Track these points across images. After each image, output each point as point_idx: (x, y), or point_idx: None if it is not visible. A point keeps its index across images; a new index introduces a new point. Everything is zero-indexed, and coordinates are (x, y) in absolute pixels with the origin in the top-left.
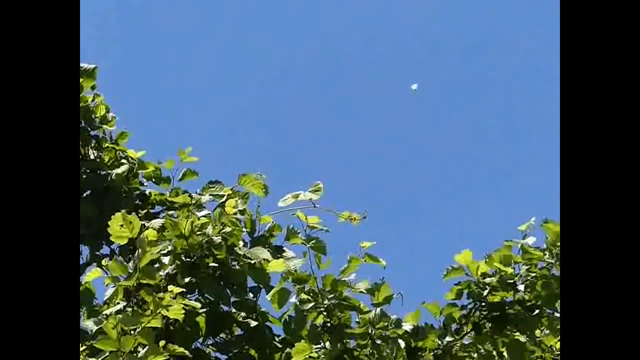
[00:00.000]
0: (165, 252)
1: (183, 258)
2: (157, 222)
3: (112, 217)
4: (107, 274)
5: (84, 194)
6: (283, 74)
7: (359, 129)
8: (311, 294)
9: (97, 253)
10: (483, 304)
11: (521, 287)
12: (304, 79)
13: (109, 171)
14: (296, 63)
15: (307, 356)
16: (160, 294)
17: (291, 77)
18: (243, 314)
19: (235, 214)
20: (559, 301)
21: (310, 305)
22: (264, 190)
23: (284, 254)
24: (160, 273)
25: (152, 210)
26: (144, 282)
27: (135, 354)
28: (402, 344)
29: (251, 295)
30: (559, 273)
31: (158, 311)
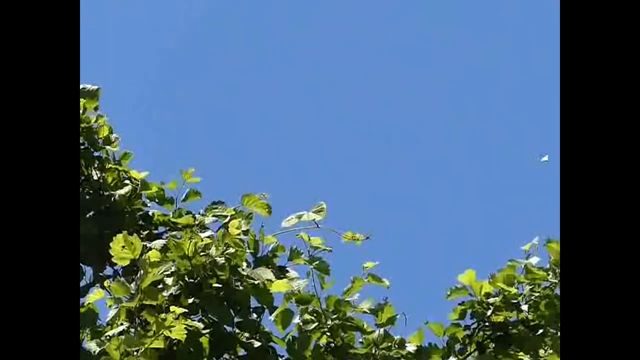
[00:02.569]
0: (168, 273)
1: (186, 279)
2: (159, 243)
3: (114, 238)
4: (110, 295)
5: (87, 215)
6: (280, 90)
7: (361, 149)
8: (315, 315)
9: (101, 274)
10: (487, 323)
11: (525, 307)
12: (302, 94)
13: (112, 192)
14: (296, 80)
15: None
16: (163, 315)
17: (290, 93)
18: (246, 334)
19: (238, 234)
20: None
21: (314, 325)
22: (267, 210)
23: (287, 274)
24: (164, 294)
25: (155, 231)
26: (147, 303)
27: None
28: None
29: (254, 315)
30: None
31: (161, 332)
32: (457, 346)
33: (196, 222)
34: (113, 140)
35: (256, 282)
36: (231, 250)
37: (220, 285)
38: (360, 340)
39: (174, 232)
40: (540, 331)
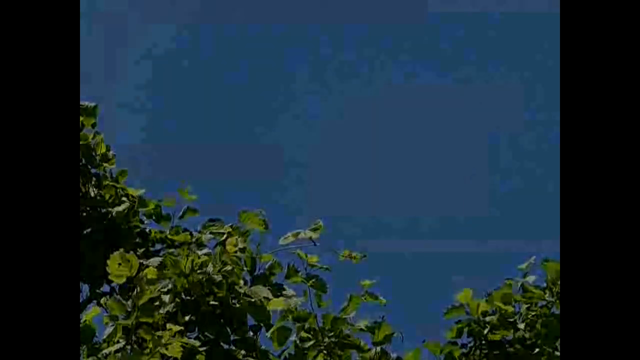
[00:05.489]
0: (165, 290)
1: (183, 296)
2: (155, 260)
3: (111, 255)
4: (106, 313)
5: (84, 232)
6: (276, 102)
7: (358, 164)
8: (311, 333)
9: (97, 291)
10: (483, 342)
11: (521, 326)
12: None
13: (109, 209)
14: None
15: None
16: (159, 333)
17: (287, 107)
18: (243, 352)
19: (235, 252)
20: (559, 340)
21: (311, 343)
22: (264, 226)
23: (284, 292)
24: (160, 311)
25: (152, 248)
26: (143, 320)
27: None
28: None
29: (251, 333)
30: (559, 312)
31: (157, 350)
32: None
33: (193, 240)
34: (110, 157)
35: (253, 300)
36: (228, 268)
37: (217, 303)
38: (357, 358)
39: (171, 250)
40: (537, 350)
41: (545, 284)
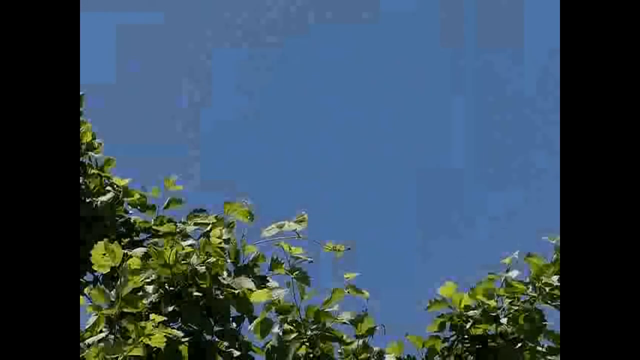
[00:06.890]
0: (148, 280)
1: (167, 287)
2: (139, 251)
3: (95, 245)
4: (89, 302)
5: None
6: (265, 97)
7: (344, 159)
8: (294, 325)
9: (81, 280)
10: (466, 336)
11: (504, 320)
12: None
13: (94, 198)
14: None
15: None
16: (143, 323)
17: (275, 102)
18: (226, 343)
19: (220, 243)
20: (542, 335)
21: (293, 335)
22: (249, 217)
23: (267, 283)
24: (144, 301)
25: (136, 238)
26: (127, 310)
27: None
28: None
29: (234, 324)
30: (541, 307)
31: (140, 340)
32: (436, 358)
33: (178, 230)
34: (96, 146)
35: (236, 291)
36: (212, 259)
37: (200, 294)
38: (339, 350)
39: (155, 240)
40: (519, 344)
41: (528, 279)
